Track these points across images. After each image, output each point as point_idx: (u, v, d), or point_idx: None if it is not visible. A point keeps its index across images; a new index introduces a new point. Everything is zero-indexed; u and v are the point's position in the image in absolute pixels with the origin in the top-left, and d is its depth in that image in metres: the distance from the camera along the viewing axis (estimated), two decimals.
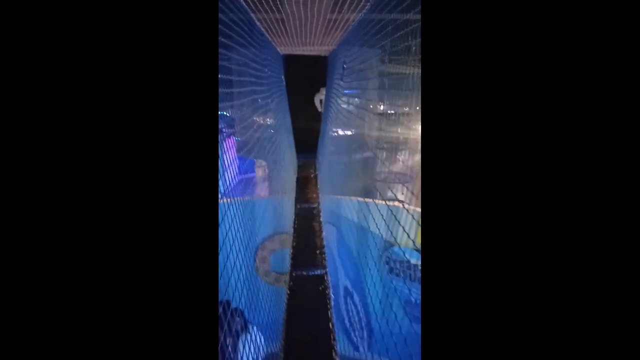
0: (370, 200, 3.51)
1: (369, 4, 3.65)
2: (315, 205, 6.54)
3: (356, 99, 5.14)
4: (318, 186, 7.35)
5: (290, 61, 9.38)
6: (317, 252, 4.94)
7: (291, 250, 4.86)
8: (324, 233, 5.28)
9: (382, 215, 2.85)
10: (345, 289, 4.79)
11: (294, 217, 5.88)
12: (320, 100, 10.56)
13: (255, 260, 4.75)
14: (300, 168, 8.98)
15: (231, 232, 2.30)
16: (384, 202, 3.03)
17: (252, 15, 4.85)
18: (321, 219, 5.77)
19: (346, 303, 4.79)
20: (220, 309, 1.98)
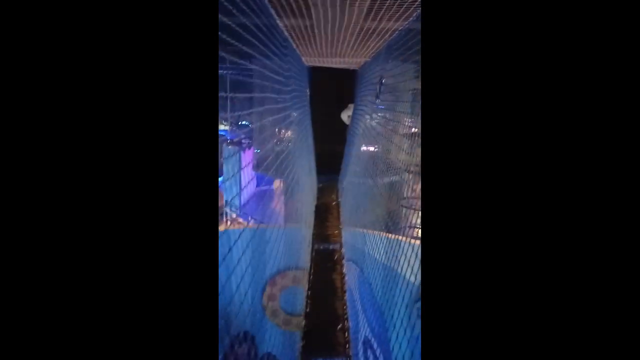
0: (398, 237, 3.30)
1: (416, 13, 3.49)
2: (337, 246, 5.69)
3: (391, 118, 4.95)
4: (341, 219, 6.78)
5: (315, 73, 9.38)
6: (338, 327, 4.25)
7: (304, 321, 4.43)
8: (347, 293, 4.77)
9: (407, 257, 2.61)
10: (365, 338, 4.50)
11: (310, 262, 5.37)
12: (348, 116, 10.59)
13: (264, 299, 4.55)
14: (320, 192, 8.48)
15: (251, 266, 2.27)
16: (413, 241, 2.81)
17: (278, 21, 4.81)
18: (344, 271, 5.11)
19: (365, 355, 4.49)
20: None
